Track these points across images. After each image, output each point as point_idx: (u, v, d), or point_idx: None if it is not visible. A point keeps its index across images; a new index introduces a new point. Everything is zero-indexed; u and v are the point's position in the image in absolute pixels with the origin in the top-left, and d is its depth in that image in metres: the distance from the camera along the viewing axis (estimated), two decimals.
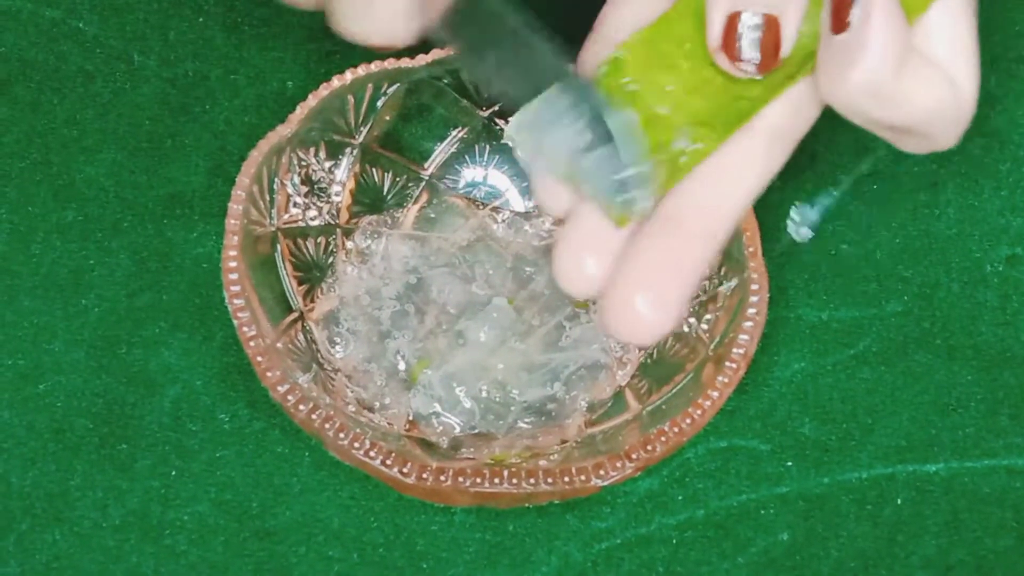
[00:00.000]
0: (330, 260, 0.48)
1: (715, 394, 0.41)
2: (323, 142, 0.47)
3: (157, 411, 0.46)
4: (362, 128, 0.48)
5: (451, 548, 0.44)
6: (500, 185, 0.50)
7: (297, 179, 0.47)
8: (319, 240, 0.48)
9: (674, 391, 0.43)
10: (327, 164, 0.48)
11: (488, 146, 0.50)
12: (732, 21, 0.33)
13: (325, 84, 0.47)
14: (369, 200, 0.49)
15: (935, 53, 0.34)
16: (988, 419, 0.48)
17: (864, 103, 0.33)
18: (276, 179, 0.46)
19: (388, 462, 0.40)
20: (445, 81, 0.49)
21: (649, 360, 0.46)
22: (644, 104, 0.34)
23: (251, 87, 0.54)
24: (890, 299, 0.50)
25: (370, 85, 0.48)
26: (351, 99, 0.47)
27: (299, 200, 0.47)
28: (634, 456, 0.40)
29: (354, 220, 0.49)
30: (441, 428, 0.45)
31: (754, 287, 0.44)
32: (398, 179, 0.50)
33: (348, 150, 0.48)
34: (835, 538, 0.45)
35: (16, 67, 0.54)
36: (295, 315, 0.45)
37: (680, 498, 0.46)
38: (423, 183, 0.50)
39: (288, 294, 0.46)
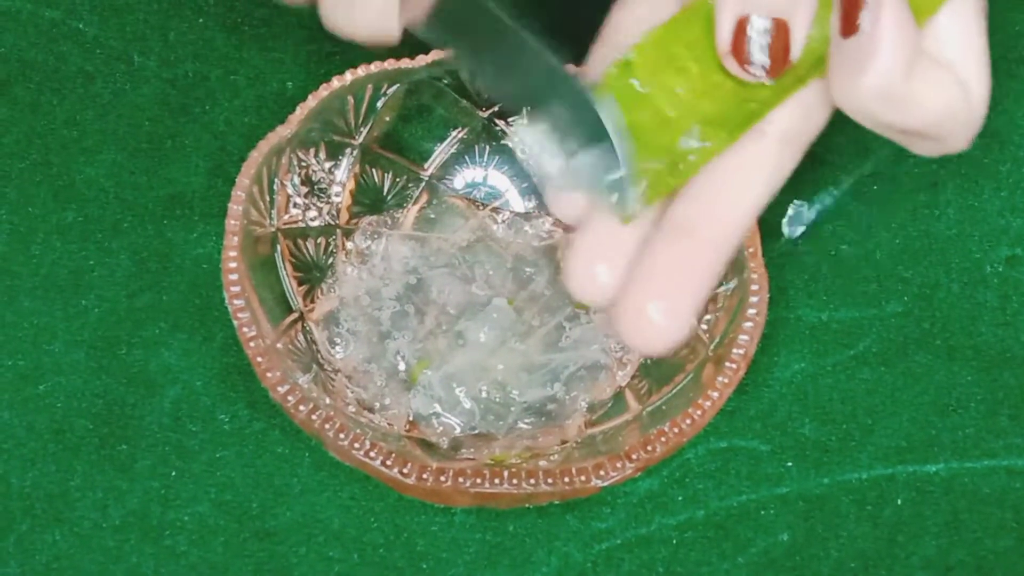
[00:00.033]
0: (330, 260, 0.48)
1: (715, 394, 0.41)
2: (323, 143, 0.48)
3: (157, 411, 0.46)
4: (362, 129, 0.48)
5: (451, 548, 0.44)
6: (500, 185, 0.50)
7: (297, 180, 0.47)
8: (319, 241, 0.48)
9: (674, 391, 0.43)
10: (327, 165, 0.48)
11: (488, 146, 0.50)
12: (741, 25, 0.33)
13: (325, 85, 0.47)
14: (369, 200, 0.49)
15: (945, 56, 0.34)
16: (988, 419, 0.48)
17: (875, 107, 0.33)
18: (276, 180, 0.46)
19: (388, 462, 0.40)
20: (445, 82, 0.49)
21: (649, 361, 0.46)
22: (653, 107, 0.34)
23: (251, 88, 0.54)
24: (890, 299, 0.50)
25: (370, 86, 0.48)
26: (351, 100, 0.47)
27: (299, 200, 0.47)
28: (634, 456, 0.40)
29: (354, 220, 0.49)
30: (441, 428, 0.45)
31: (754, 287, 0.44)
32: (398, 179, 0.50)
33: (348, 151, 0.48)
34: (835, 538, 0.45)
35: (16, 67, 0.54)
36: (295, 315, 0.45)
37: (680, 498, 0.46)
38: (423, 183, 0.50)
39: (288, 294, 0.46)
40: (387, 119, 0.49)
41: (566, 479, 0.40)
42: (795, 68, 0.34)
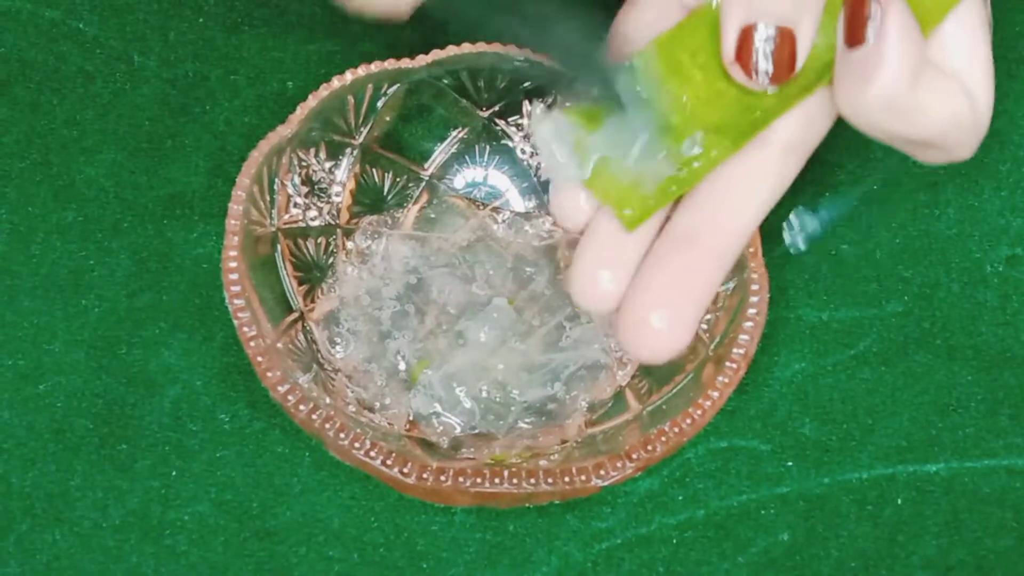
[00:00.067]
0: (330, 260, 0.48)
1: (715, 394, 0.41)
2: (323, 142, 0.47)
3: (157, 411, 0.46)
4: (362, 128, 0.48)
5: (451, 548, 0.44)
6: (500, 185, 0.50)
7: (297, 179, 0.47)
8: (319, 240, 0.48)
9: (674, 391, 0.43)
10: (327, 164, 0.48)
11: (488, 146, 0.50)
12: (747, 33, 0.33)
13: (325, 84, 0.47)
14: (369, 200, 0.49)
15: (950, 65, 0.34)
16: (988, 419, 0.48)
17: (881, 117, 0.33)
18: (276, 179, 0.46)
19: (388, 462, 0.40)
20: (445, 81, 0.49)
21: None
22: (657, 113, 0.34)
23: (251, 87, 0.54)
24: (890, 299, 0.50)
25: (370, 85, 0.48)
26: (351, 99, 0.47)
27: (299, 200, 0.47)
28: (634, 456, 0.40)
29: (354, 220, 0.49)
30: (441, 428, 0.45)
31: (754, 287, 0.44)
32: (398, 179, 0.50)
33: (348, 150, 0.48)
34: (835, 538, 0.45)
35: (16, 67, 0.54)
36: (295, 315, 0.45)
37: (680, 498, 0.46)
38: (423, 183, 0.50)
39: (288, 294, 0.46)
40: (387, 119, 0.49)
41: (566, 479, 0.40)
42: (800, 77, 0.34)
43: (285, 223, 0.46)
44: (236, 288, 0.42)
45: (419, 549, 0.44)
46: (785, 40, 0.33)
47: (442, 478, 0.39)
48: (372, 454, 0.40)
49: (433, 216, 0.50)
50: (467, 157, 0.50)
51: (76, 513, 0.44)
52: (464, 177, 0.50)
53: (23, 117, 0.53)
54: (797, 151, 0.35)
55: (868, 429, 0.47)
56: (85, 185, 0.51)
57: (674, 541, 0.45)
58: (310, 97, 0.47)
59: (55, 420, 0.46)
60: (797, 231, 0.40)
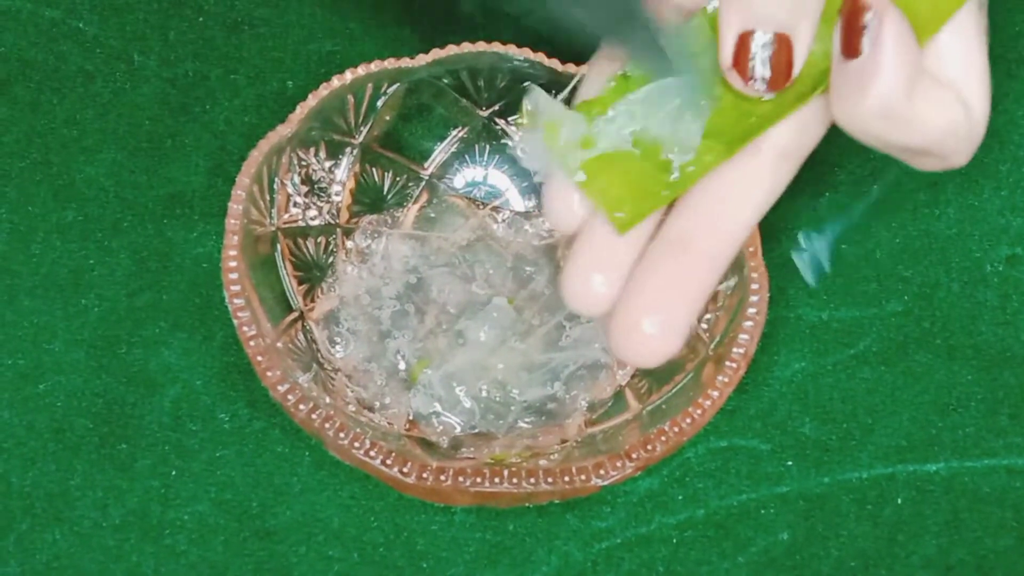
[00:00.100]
0: (330, 260, 0.48)
1: (715, 394, 0.41)
2: (323, 142, 0.48)
3: (157, 411, 0.46)
4: (362, 128, 0.48)
5: (451, 548, 0.44)
6: (500, 185, 0.50)
7: (297, 179, 0.47)
8: (319, 240, 0.48)
9: (674, 391, 0.43)
10: (327, 164, 0.48)
11: (488, 146, 0.50)
12: (744, 40, 0.33)
13: (325, 84, 0.47)
14: (369, 200, 0.49)
15: (946, 74, 0.34)
16: (988, 419, 0.48)
17: (877, 126, 0.33)
18: (276, 179, 0.46)
19: (388, 462, 0.40)
20: (445, 81, 0.49)
21: None
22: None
23: (251, 87, 0.54)
24: (890, 299, 0.50)
25: (370, 85, 0.48)
26: (351, 99, 0.47)
27: (299, 200, 0.47)
28: (634, 456, 0.40)
29: (354, 220, 0.49)
30: (441, 428, 0.45)
31: (754, 287, 0.44)
32: (398, 179, 0.50)
33: (348, 150, 0.48)
34: (835, 538, 0.45)
35: (16, 67, 0.54)
36: (295, 315, 0.45)
37: (680, 498, 0.46)
38: (423, 183, 0.50)
39: (288, 294, 0.46)
40: (387, 118, 0.49)
41: (566, 478, 0.40)
42: (796, 84, 0.34)
43: (285, 222, 0.46)
44: (236, 288, 0.42)
45: (419, 549, 0.44)
46: (783, 47, 0.33)
47: (442, 478, 0.39)
48: (372, 454, 0.40)
49: (433, 215, 0.50)
50: (467, 156, 0.50)
51: (76, 513, 0.44)
52: (464, 176, 0.50)
53: (23, 117, 0.53)
54: (791, 158, 0.35)
55: (868, 429, 0.47)
56: (85, 185, 0.51)
57: (674, 541, 0.45)
58: (310, 96, 0.47)
59: (55, 420, 0.46)
60: (808, 264, 0.41)
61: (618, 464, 0.40)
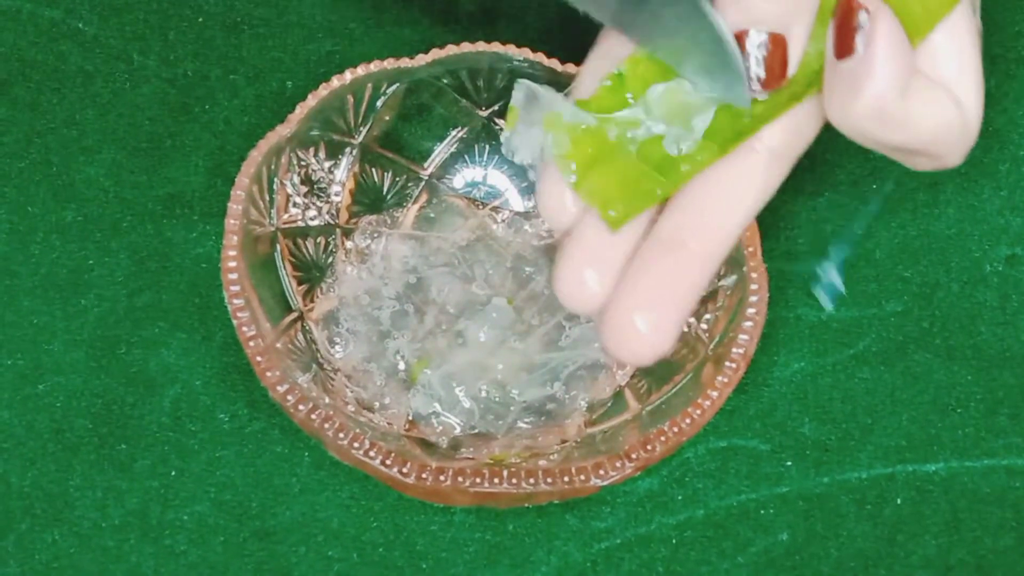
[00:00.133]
0: (330, 260, 0.48)
1: (715, 394, 0.41)
2: (323, 142, 0.48)
3: (157, 411, 0.46)
4: (362, 128, 0.48)
5: (451, 548, 0.44)
6: (500, 185, 0.50)
7: (297, 179, 0.47)
8: (319, 240, 0.48)
9: (674, 391, 0.43)
10: (327, 164, 0.48)
11: (488, 146, 0.50)
12: (739, 39, 0.33)
13: (325, 84, 0.47)
14: (369, 200, 0.49)
15: (940, 74, 0.34)
16: (988, 419, 0.48)
17: (871, 126, 0.33)
18: (276, 179, 0.46)
19: (388, 462, 0.40)
20: (445, 81, 0.49)
21: None
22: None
23: (251, 87, 0.54)
24: (890, 299, 0.50)
25: (370, 85, 0.48)
26: (351, 99, 0.47)
27: (299, 200, 0.47)
28: (634, 456, 0.40)
29: (354, 220, 0.49)
30: (441, 428, 0.45)
31: (754, 287, 0.44)
32: (398, 179, 0.50)
33: (348, 150, 0.48)
34: (835, 538, 0.45)
35: (16, 67, 0.54)
36: (295, 315, 0.45)
37: (680, 498, 0.46)
38: (423, 183, 0.50)
39: (288, 294, 0.46)
40: (387, 118, 0.49)
41: (566, 478, 0.40)
42: (791, 84, 0.34)
43: (284, 223, 0.46)
44: (235, 288, 0.42)
45: (418, 549, 0.44)
46: (777, 46, 0.33)
47: (441, 478, 0.39)
48: (371, 454, 0.40)
49: (432, 216, 0.50)
50: (466, 156, 0.50)
51: (76, 513, 0.44)
52: (463, 176, 0.50)
53: (23, 117, 0.53)
54: (783, 158, 0.35)
55: (867, 429, 0.47)
56: (85, 185, 0.51)
57: (674, 541, 0.45)
58: (310, 97, 0.47)
59: (55, 420, 0.46)
60: (826, 292, 0.41)
61: (618, 464, 0.40)
